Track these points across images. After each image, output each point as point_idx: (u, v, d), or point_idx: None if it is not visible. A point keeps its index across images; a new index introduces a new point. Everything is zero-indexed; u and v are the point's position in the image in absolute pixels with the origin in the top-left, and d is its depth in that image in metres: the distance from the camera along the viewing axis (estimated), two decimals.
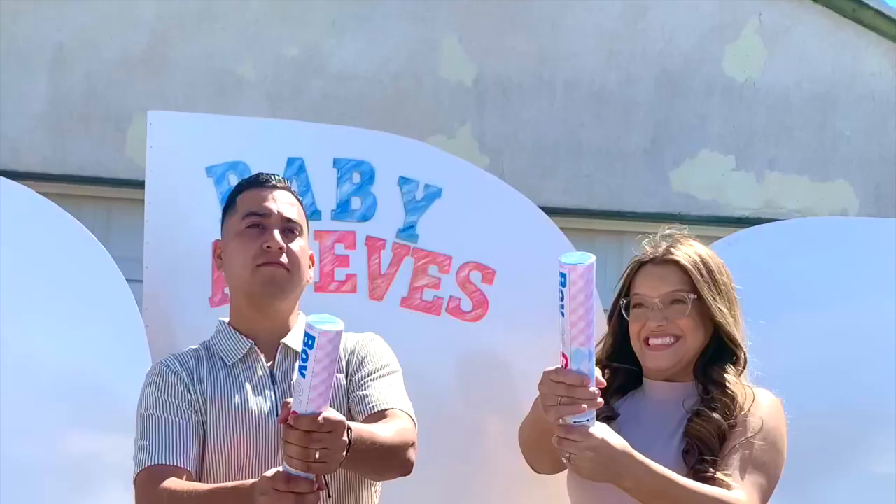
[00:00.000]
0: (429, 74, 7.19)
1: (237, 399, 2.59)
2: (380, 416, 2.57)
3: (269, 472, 2.31)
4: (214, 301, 3.08)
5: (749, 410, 2.63)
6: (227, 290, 3.01)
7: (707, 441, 2.59)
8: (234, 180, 3.06)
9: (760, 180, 7.32)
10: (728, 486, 2.55)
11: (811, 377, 3.13)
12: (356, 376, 2.64)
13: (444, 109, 7.19)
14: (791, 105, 7.37)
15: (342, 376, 2.63)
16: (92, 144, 6.97)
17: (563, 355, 2.34)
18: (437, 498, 2.59)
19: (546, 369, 2.39)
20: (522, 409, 2.45)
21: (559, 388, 2.36)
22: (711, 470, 2.56)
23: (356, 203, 3.11)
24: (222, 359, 2.65)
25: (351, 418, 2.52)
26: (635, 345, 2.73)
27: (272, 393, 2.61)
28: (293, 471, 2.25)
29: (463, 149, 6.81)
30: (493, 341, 3.13)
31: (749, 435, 2.59)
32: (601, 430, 2.41)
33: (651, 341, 2.69)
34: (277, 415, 2.51)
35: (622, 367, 2.76)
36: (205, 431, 2.58)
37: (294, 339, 2.65)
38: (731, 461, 2.58)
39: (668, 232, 2.79)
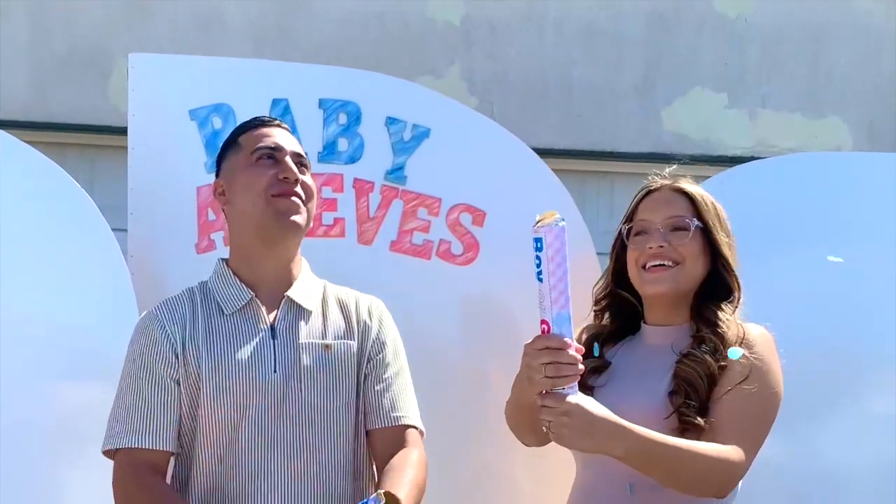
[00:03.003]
0: (416, 14, 7.09)
1: (234, 353, 2.48)
2: (400, 432, 2.53)
3: None
4: (200, 248, 3.03)
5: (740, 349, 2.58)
6: (213, 237, 3.00)
7: (694, 382, 2.53)
8: (217, 123, 3.01)
9: (753, 118, 7.26)
10: (716, 435, 2.50)
11: (805, 316, 3.09)
12: (377, 368, 2.56)
13: (432, 49, 7.10)
14: (783, 42, 7.29)
15: (354, 343, 2.54)
16: (75, 91, 6.87)
17: (544, 322, 2.31)
18: (431, 446, 2.56)
19: (526, 342, 2.36)
20: (515, 354, 2.41)
21: (543, 354, 2.33)
22: (698, 419, 2.50)
23: (343, 145, 3.05)
24: (220, 306, 2.53)
25: (362, 401, 2.52)
26: (633, 273, 2.68)
27: (272, 349, 2.50)
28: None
29: (451, 89, 6.73)
30: (485, 285, 3.09)
31: (738, 379, 2.53)
32: (578, 398, 2.37)
33: (649, 265, 2.63)
34: (276, 370, 2.46)
35: (623, 304, 2.72)
36: (198, 388, 2.47)
37: (299, 293, 2.54)
38: (721, 409, 2.52)
39: (675, 167, 2.79)
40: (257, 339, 2.50)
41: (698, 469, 2.48)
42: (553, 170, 3.18)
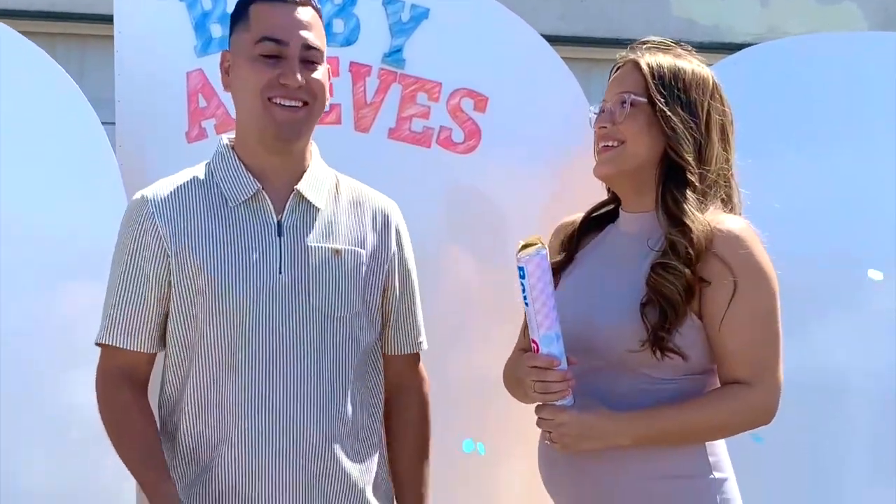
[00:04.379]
0: None
1: (236, 250, 2.33)
2: (413, 360, 2.51)
3: None
4: (191, 136, 2.91)
5: (714, 247, 2.38)
6: (204, 125, 2.89)
7: (670, 297, 2.35)
8: (207, 4, 2.87)
9: (764, 4, 7.09)
10: (728, 373, 2.40)
11: (808, 217, 2.99)
12: (396, 288, 2.45)
13: None
14: None
15: (364, 252, 2.40)
16: None
17: (534, 342, 2.40)
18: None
19: (526, 354, 2.43)
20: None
21: (532, 372, 2.39)
22: (671, 344, 2.36)
23: (338, 26, 2.91)
24: (223, 195, 2.36)
25: (380, 320, 2.44)
26: (595, 154, 2.53)
27: (278, 248, 2.36)
28: None
29: None
30: (486, 175, 2.97)
31: (726, 298, 2.36)
32: (572, 406, 2.39)
33: (600, 145, 2.48)
34: (281, 271, 2.34)
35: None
36: (194, 288, 2.33)
37: (309, 187, 2.38)
38: (723, 344, 2.38)
39: (661, 40, 2.59)
40: (262, 237, 2.36)
41: (722, 422, 2.40)
42: None
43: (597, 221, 2.60)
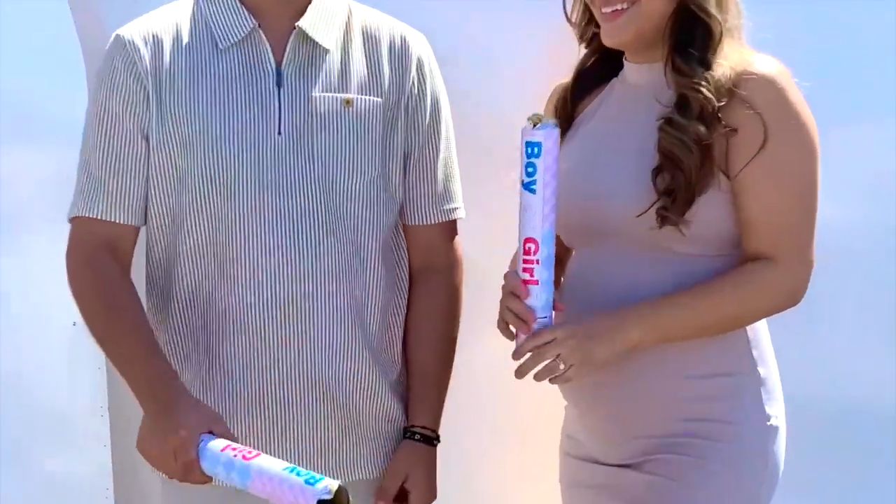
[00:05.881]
0: None
1: (227, 105, 1.99)
2: (447, 229, 2.14)
3: (186, 434, 1.90)
4: None
5: (742, 89, 2.01)
6: None
7: (682, 160, 2.01)
8: None
9: None
10: (751, 242, 2.04)
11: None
12: (425, 143, 2.09)
13: None
14: None
15: (380, 100, 2.05)
16: None
17: (531, 240, 2.02)
18: None
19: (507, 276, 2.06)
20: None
21: (510, 299, 2.04)
22: (682, 215, 2.01)
23: None
24: (213, 36, 2.01)
25: (404, 184, 2.08)
26: (596, 15, 2.16)
27: (276, 101, 2.00)
28: None
29: None
30: None
31: (753, 149, 2.01)
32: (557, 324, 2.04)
33: (604, 10, 2.10)
34: (281, 132, 1.98)
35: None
36: (179, 150, 1.99)
37: (314, 24, 2.01)
38: (748, 205, 2.03)
39: None
40: (258, 87, 2.00)
41: (740, 307, 2.06)
42: None
43: (595, 79, 2.23)
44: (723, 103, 2.01)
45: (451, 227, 2.17)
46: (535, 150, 1.99)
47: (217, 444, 1.88)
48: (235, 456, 1.84)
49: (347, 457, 2.07)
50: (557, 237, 2.10)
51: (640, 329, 2.03)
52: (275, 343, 2.00)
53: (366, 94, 2.05)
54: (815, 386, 2.61)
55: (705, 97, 2.01)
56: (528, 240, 2.01)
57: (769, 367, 2.14)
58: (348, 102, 2.03)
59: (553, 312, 2.05)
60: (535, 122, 2.01)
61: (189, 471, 1.88)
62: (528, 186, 2.00)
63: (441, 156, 2.13)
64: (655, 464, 2.09)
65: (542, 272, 2.02)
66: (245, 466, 1.82)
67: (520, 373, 2.03)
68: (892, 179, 2.68)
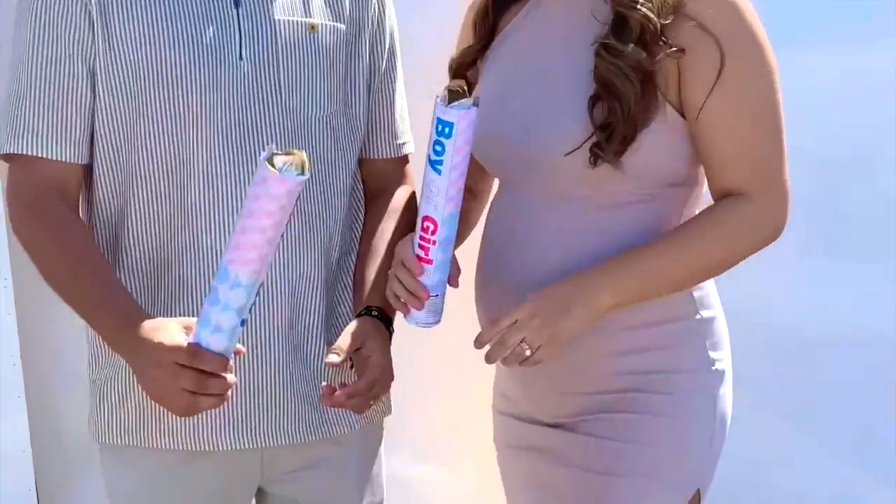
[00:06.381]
0: None
1: (181, 28, 1.78)
2: (402, 163, 2.02)
3: (170, 339, 1.65)
4: None
5: (687, 7, 1.78)
6: None
7: (621, 89, 1.78)
8: None
9: None
10: (719, 181, 1.84)
11: None
12: (385, 74, 1.95)
13: None
14: None
15: (343, 27, 1.89)
16: None
17: (429, 219, 1.83)
18: None
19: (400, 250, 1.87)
20: None
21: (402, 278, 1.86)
22: (610, 153, 1.79)
23: None
24: None
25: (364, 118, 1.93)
26: None
27: (236, 23, 1.81)
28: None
29: None
30: None
31: (711, 78, 1.78)
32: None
33: None
34: (242, 56, 1.78)
35: None
36: (128, 80, 1.79)
37: None
38: (709, 143, 1.81)
39: None
40: (214, 8, 1.81)
41: (721, 250, 1.85)
42: None
43: None
44: (668, 21, 1.78)
45: (406, 160, 2.05)
46: (447, 130, 1.77)
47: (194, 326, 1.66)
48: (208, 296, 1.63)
49: (319, 406, 1.90)
50: (477, 165, 1.93)
51: (611, 292, 1.81)
52: None
53: (329, 20, 1.88)
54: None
55: (645, 16, 1.77)
56: (426, 218, 1.83)
57: (713, 308, 1.96)
58: (313, 28, 1.86)
59: (447, 289, 1.88)
60: (451, 94, 1.79)
61: (201, 381, 1.64)
62: (433, 165, 1.80)
63: (398, 90, 2.00)
64: (594, 424, 1.89)
65: (438, 253, 1.84)
66: (220, 269, 1.61)
67: (488, 358, 1.83)
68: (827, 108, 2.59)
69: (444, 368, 2.76)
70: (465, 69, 1.98)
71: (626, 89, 1.77)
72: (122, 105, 1.82)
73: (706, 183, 1.91)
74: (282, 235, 1.63)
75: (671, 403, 1.88)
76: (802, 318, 2.83)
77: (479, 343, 1.83)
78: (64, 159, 1.83)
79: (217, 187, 1.81)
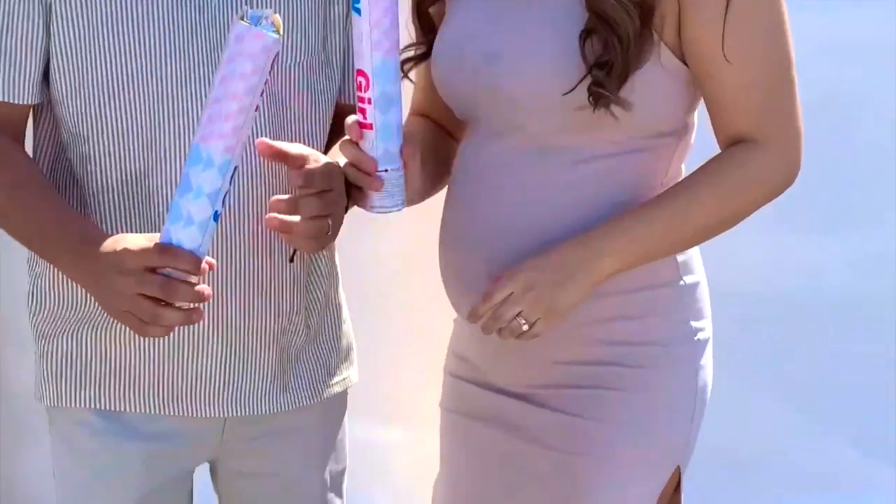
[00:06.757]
0: None
1: None
2: None
3: (135, 244, 1.53)
4: None
5: None
6: None
7: (619, 22, 1.63)
8: None
9: None
10: (728, 127, 1.70)
11: None
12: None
13: None
14: None
15: None
16: None
17: (361, 73, 1.64)
18: None
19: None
20: None
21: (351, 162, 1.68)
22: (608, 85, 1.63)
23: None
24: None
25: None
26: None
27: None
28: None
29: None
30: None
31: (708, 5, 1.64)
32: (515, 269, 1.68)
33: None
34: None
35: None
36: (93, 36, 1.66)
37: None
38: (716, 83, 1.68)
39: None
40: None
41: (733, 203, 1.71)
42: None
43: None
44: None
45: None
46: None
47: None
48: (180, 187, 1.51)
49: (282, 377, 1.80)
50: (447, 109, 1.80)
51: (614, 256, 1.67)
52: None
53: None
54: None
55: None
56: (358, 73, 1.64)
57: (696, 273, 1.82)
58: None
59: (402, 164, 1.69)
60: None
61: (169, 287, 1.52)
62: (353, 5, 1.62)
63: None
64: (567, 399, 1.75)
65: (377, 114, 1.64)
66: (192, 152, 1.50)
67: (486, 329, 1.69)
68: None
69: (408, 332, 2.68)
70: (428, 4, 1.81)
71: (624, 23, 1.62)
72: (79, 45, 1.68)
73: (694, 134, 1.79)
74: (256, 108, 1.51)
75: (651, 378, 1.76)
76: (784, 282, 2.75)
77: (472, 317, 1.69)
78: (15, 101, 1.71)
79: (191, 98, 1.68)
